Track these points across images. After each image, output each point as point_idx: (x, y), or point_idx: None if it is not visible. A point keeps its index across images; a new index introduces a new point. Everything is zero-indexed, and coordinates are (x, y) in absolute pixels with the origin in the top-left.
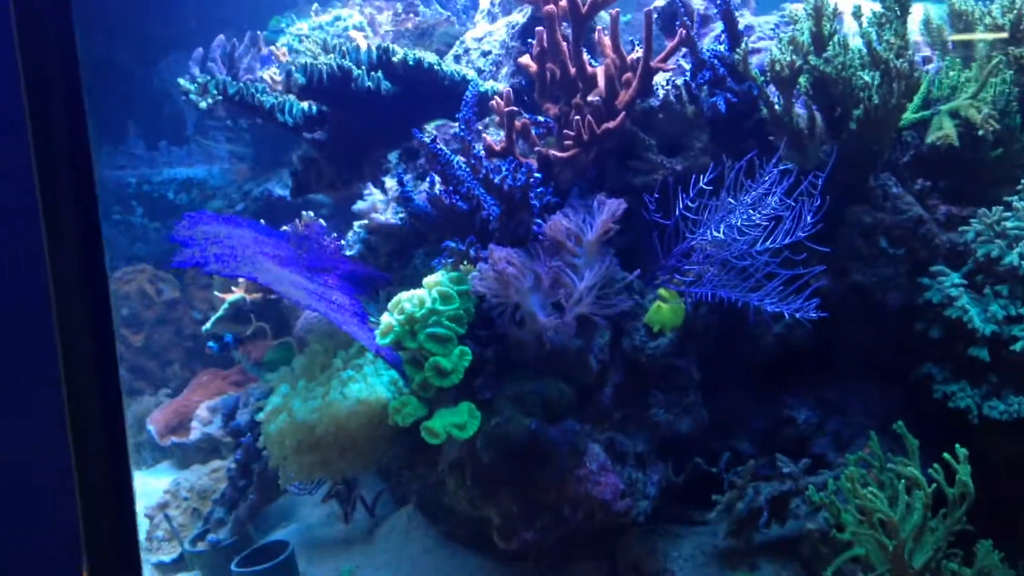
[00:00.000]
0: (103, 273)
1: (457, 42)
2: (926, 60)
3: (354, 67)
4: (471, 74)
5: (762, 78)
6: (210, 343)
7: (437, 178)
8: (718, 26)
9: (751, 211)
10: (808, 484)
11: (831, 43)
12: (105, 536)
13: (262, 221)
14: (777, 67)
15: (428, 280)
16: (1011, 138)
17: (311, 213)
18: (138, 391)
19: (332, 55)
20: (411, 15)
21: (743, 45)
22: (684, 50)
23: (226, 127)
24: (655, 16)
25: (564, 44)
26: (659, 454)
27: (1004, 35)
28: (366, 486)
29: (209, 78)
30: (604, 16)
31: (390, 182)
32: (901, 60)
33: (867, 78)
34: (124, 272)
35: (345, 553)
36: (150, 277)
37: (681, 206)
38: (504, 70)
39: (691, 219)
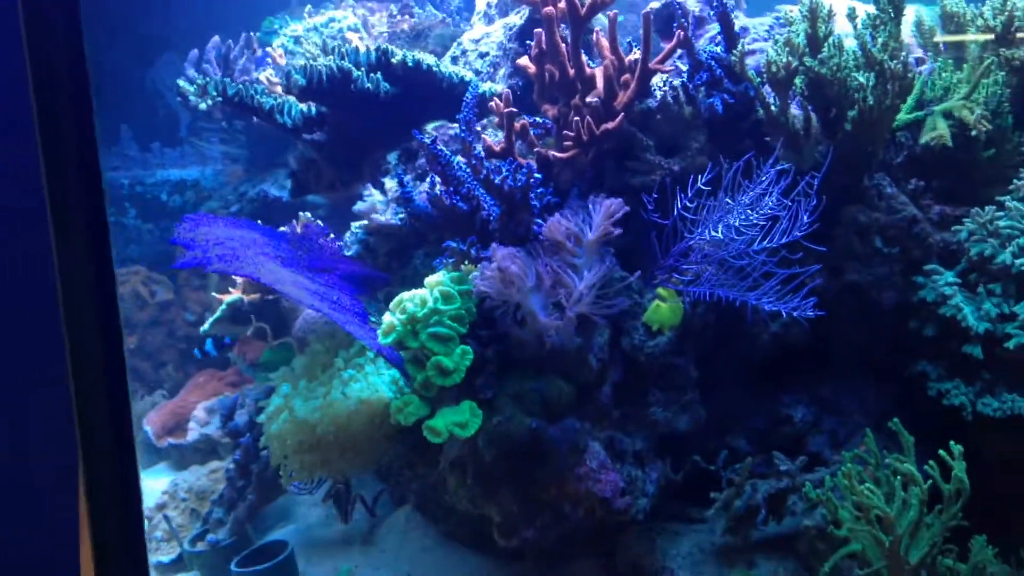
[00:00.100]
0: (111, 272)
1: (455, 44)
2: (919, 61)
3: (353, 68)
4: (469, 75)
5: (758, 79)
6: (195, 350)
7: (437, 179)
8: (713, 28)
9: (749, 211)
10: (805, 481)
11: (826, 45)
12: (112, 534)
13: (259, 222)
14: (773, 68)
15: (430, 280)
16: (1003, 138)
17: (308, 214)
18: (132, 393)
19: (331, 57)
20: (406, 16)
21: (740, 47)
22: (680, 51)
23: (221, 128)
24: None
25: (563, 46)
26: (658, 452)
27: (992, 36)
28: (365, 486)
29: (208, 79)
30: (601, 18)
31: (390, 183)
32: (895, 61)
33: (862, 79)
34: (117, 273)
35: (344, 553)
36: (143, 279)
37: (679, 206)
38: (501, 71)
39: (689, 219)
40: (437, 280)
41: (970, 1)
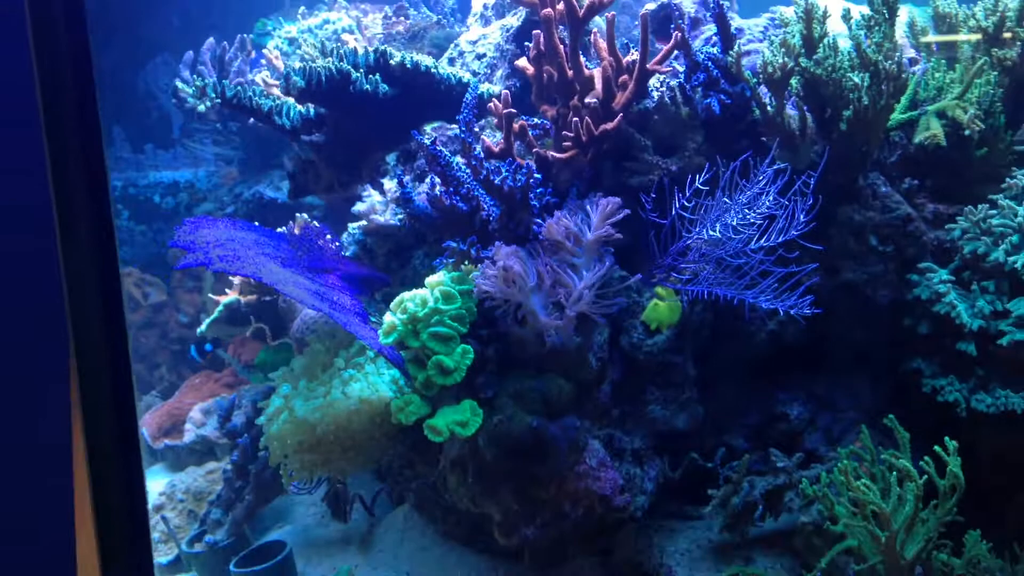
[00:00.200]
0: (116, 272)
1: (452, 45)
2: (912, 62)
3: (352, 70)
4: (467, 77)
5: (754, 80)
6: (192, 350)
7: (437, 179)
8: (708, 29)
9: (746, 210)
10: (802, 478)
11: (821, 45)
12: (117, 534)
13: (256, 223)
14: (769, 69)
15: (430, 280)
16: (995, 137)
17: (306, 215)
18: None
19: (330, 58)
20: (401, 18)
21: (736, 47)
22: (677, 52)
23: (214, 130)
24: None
25: (561, 47)
26: (656, 450)
27: (983, 36)
28: (364, 486)
29: (207, 81)
30: (597, 20)
31: (389, 184)
32: (890, 62)
33: (857, 79)
34: None
35: (342, 553)
36: (136, 280)
37: (677, 206)
38: (499, 73)
39: (687, 218)
40: (438, 280)
41: (962, 2)
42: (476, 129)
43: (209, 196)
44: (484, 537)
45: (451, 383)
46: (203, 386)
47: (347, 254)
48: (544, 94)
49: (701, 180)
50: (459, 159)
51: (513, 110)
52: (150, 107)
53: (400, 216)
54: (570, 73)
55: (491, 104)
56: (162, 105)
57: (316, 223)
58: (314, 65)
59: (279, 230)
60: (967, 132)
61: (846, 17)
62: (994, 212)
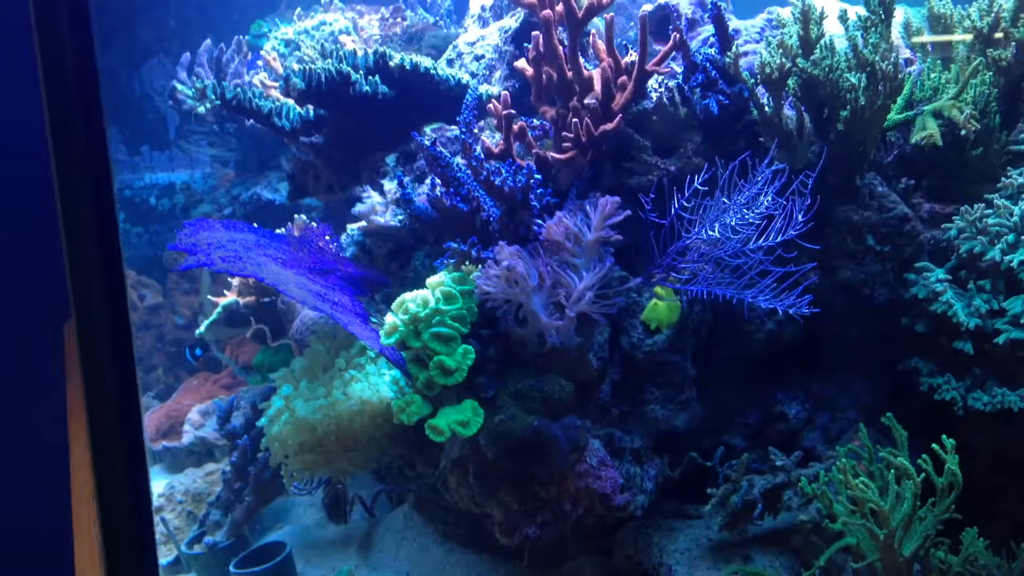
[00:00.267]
0: (120, 273)
1: (450, 47)
2: (907, 62)
3: (352, 72)
4: (466, 78)
5: (752, 80)
6: (187, 353)
7: (437, 180)
8: (705, 30)
9: (745, 210)
10: (800, 476)
11: (818, 46)
12: (122, 534)
13: (255, 225)
14: (767, 70)
15: (431, 280)
16: (991, 137)
17: (304, 216)
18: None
19: (330, 60)
20: (399, 19)
21: (734, 48)
22: (675, 53)
23: (211, 132)
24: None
25: (560, 48)
26: (655, 449)
27: (978, 37)
28: (363, 487)
29: (208, 83)
30: (595, 21)
31: (389, 185)
32: (886, 62)
33: (854, 80)
34: None
35: (341, 553)
36: (132, 283)
37: (676, 206)
38: (497, 74)
39: (686, 219)
40: (439, 280)
41: (956, 2)
42: (475, 130)
43: (206, 198)
44: (484, 537)
45: (452, 383)
46: (201, 388)
47: (346, 255)
48: (543, 95)
49: (700, 180)
50: (459, 160)
51: (513, 111)
52: (146, 109)
53: (400, 217)
54: (569, 74)
55: (491, 105)
56: (158, 107)
57: (315, 224)
58: (314, 67)
59: (278, 231)
60: (963, 132)
61: (843, 18)
62: (990, 211)
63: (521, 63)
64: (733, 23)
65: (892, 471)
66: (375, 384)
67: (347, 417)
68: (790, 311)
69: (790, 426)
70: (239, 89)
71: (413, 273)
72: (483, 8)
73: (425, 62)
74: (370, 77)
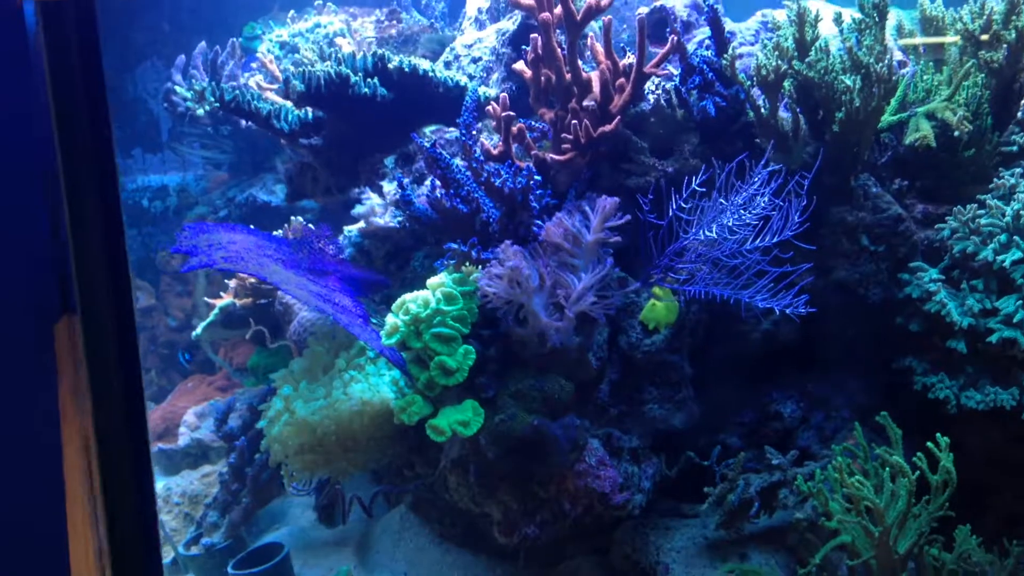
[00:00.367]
0: (127, 275)
1: (447, 49)
2: (900, 64)
3: (351, 74)
4: (464, 80)
5: (748, 82)
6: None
7: (437, 182)
8: (700, 32)
9: (742, 211)
10: (796, 475)
11: (813, 48)
12: (128, 534)
13: (252, 226)
14: (763, 72)
15: (432, 281)
16: (982, 138)
17: (300, 218)
18: None
19: (329, 62)
20: (394, 22)
21: (731, 51)
22: (671, 55)
23: (204, 134)
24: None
25: (559, 50)
26: (653, 448)
27: (970, 39)
28: (360, 488)
29: (205, 86)
30: (592, 24)
31: (388, 186)
32: (880, 64)
33: (848, 82)
34: None
35: (338, 554)
36: None
37: (674, 207)
38: (495, 76)
39: (683, 219)
40: (440, 281)
41: (948, 5)
42: (474, 132)
43: (202, 199)
44: (480, 537)
45: (453, 383)
46: (196, 390)
47: (344, 257)
48: (542, 97)
49: (697, 182)
50: (459, 161)
51: (512, 113)
52: (138, 111)
53: (399, 218)
54: (568, 76)
55: (490, 107)
56: (151, 110)
57: (311, 226)
58: (313, 69)
59: (275, 233)
60: (956, 133)
61: (837, 21)
62: (982, 212)
63: (520, 65)
64: (728, 25)
65: (887, 469)
66: (375, 385)
67: (347, 418)
68: (787, 311)
69: (785, 425)
70: (238, 91)
71: (412, 274)
72: (480, 11)
73: (423, 64)
74: (369, 79)
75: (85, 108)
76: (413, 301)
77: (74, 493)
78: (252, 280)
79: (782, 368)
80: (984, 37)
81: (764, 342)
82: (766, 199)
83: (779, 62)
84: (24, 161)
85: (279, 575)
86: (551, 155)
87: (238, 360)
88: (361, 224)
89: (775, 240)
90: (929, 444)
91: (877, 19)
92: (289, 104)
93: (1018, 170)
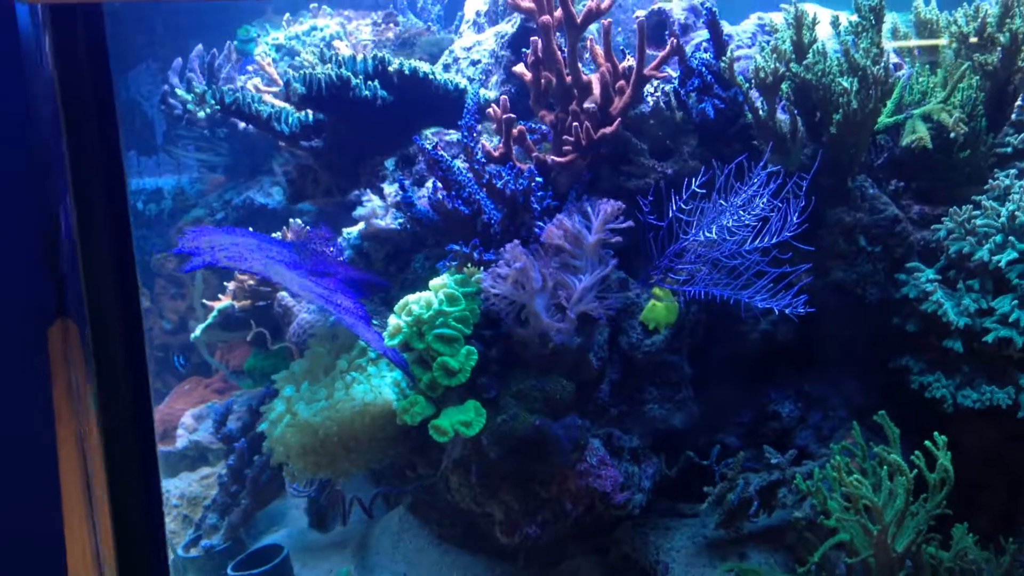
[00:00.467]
0: (134, 277)
1: (446, 52)
2: (896, 67)
3: (352, 76)
4: (464, 83)
5: (746, 85)
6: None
7: (439, 183)
8: (698, 35)
9: (741, 212)
10: (795, 474)
11: (811, 51)
12: (135, 534)
13: (251, 229)
14: (761, 74)
15: (434, 283)
16: (978, 140)
17: (299, 220)
18: None
19: (330, 65)
20: (391, 25)
21: (729, 53)
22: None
23: (200, 136)
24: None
25: (559, 53)
26: (652, 448)
27: (965, 42)
28: (358, 489)
29: (206, 88)
30: (590, 27)
31: (389, 188)
32: (877, 66)
33: (846, 84)
34: None
35: (337, 555)
36: None
37: (674, 208)
38: (494, 78)
39: (683, 220)
40: (442, 283)
41: (942, 8)
42: (475, 134)
43: (199, 202)
44: (480, 538)
45: (456, 384)
46: (193, 392)
47: (342, 259)
48: (542, 99)
49: (697, 183)
50: (459, 163)
51: (512, 115)
52: (133, 114)
53: (400, 220)
54: (568, 79)
55: (490, 109)
56: (145, 112)
57: (309, 228)
58: (314, 72)
59: (274, 235)
60: (952, 135)
61: (835, 23)
62: (978, 213)
63: (520, 68)
64: (725, 28)
65: (885, 468)
66: (377, 386)
67: (349, 418)
68: (786, 311)
69: (783, 425)
70: (238, 94)
71: (413, 275)
72: (478, 14)
73: (423, 67)
74: (369, 82)
75: (94, 111)
76: (416, 302)
77: (70, 495)
78: (251, 282)
79: (780, 368)
80: (973, 40)
81: (762, 342)
82: (765, 200)
83: (777, 64)
84: (16, 162)
85: None
86: (552, 157)
87: (234, 363)
88: (360, 226)
89: (774, 241)
90: (927, 443)
91: (874, 22)
92: (289, 107)
93: (1013, 171)
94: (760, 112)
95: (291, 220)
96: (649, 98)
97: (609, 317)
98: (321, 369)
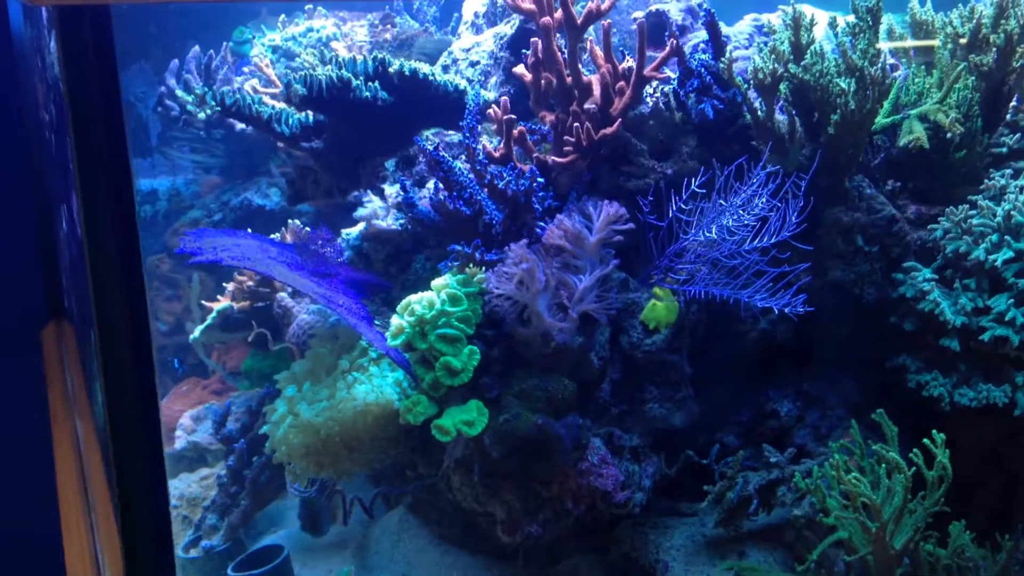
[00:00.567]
0: (140, 275)
1: (444, 53)
2: (892, 68)
3: (353, 77)
4: (463, 84)
5: (745, 85)
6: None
7: (440, 184)
8: (695, 36)
9: (740, 212)
10: (794, 472)
11: (808, 52)
12: (141, 532)
13: (249, 230)
14: (760, 75)
15: (436, 283)
16: (973, 140)
17: (297, 222)
18: None
19: (330, 66)
20: (388, 26)
21: (728, 54)
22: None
23: (195, 138)
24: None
25: (559, 54)
26: (652, 447)
27: (961, 42)
28: (356, 489)
29: (206, 90)
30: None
31: (390, 189)
32: (875, 67)
33: (843, 85)
34: None
35: (337, 556)
36: None
37: (674, 208)
38: (493, 80)
39: (683, 220)
40: (444, 283)
41: (938, 9)
42: (477, 135)
43: (196, 203)
44: (480, 538)
45: (458, 384)
46: (191, 393)
47: (342, 260)
48: (542, 100)
49: (696, 184)
50: (460, 164)
51: (513, 116)
52: (127, 115)
53: (401, 221)
54: (569, 80)
55: (491, 110)
56: (140, 113)
57: (307, 229)
58: (315, 73)
59: (273, 237)
60: (948, 135)
61: (832, 24)
62: (974, 212)
63: (520, 69)
64: (722, 29)
65: (883, 466)
66: (379, 386)
67: (351, 419)
68: (786, 310)
69: (781, 424)
70: (239, 95)
71: (414, 276)
72: (476, 15)
73: (423, 68)
74: (370, 83)
75: (101, 112)
76: (418, 302)
77: (67, 496)
78: (250, 283)
79: (779, 367)
80: (963, 41)
81: (761, 341)
82: (764, 200)
83: (775, 65)
84: (9, 165)
85: None
86: (552, 157)
87: (231, 364)
88: (360, 227)
89: (773, 241)
90: (925, 440)
91: (871, 23)
92: (289, 108)
93: (1008, 171)
94: (759, 113)
95: (289, 221)
96: (648, 99)
97: (610, 317)
98: (323, 369)
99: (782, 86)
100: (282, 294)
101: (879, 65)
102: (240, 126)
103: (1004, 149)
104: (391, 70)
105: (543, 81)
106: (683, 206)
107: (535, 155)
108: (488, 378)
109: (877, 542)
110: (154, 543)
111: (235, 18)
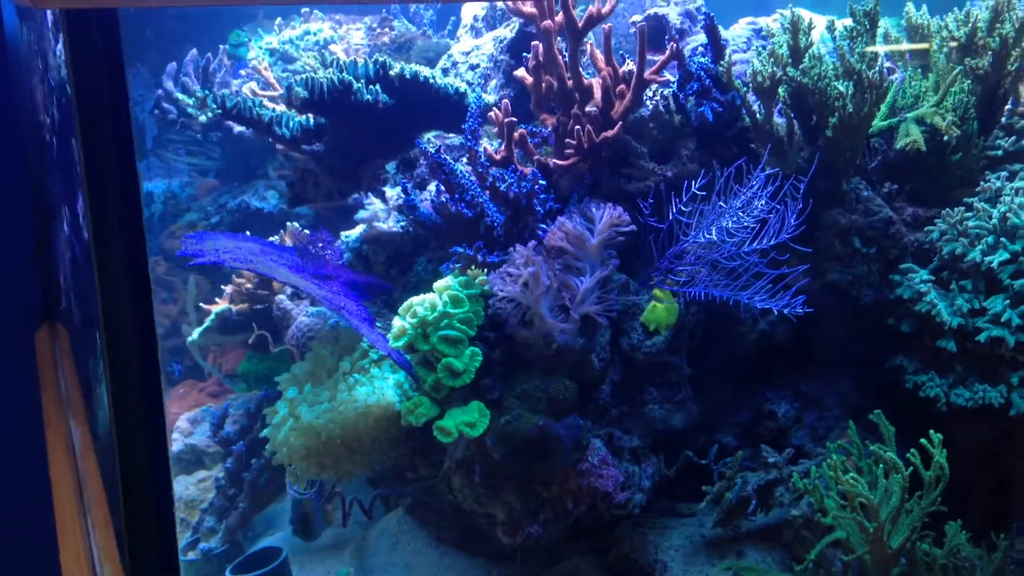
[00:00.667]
0: (146, 275)
1: (444, 56)
2: (889, 71)
3: (354, 80)
4: (463, 87)
5: (744, 89)
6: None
7: (442, 187)
8: (694, 40)
9: (740, 214)
10: (792, 472)
11: (807, 55)
12: (145, 533)
13: (247, 233)
14: (759, 78)
15: (438, 284)
16: (969, 143)
17: (296, 224)
18: None
19: (331, 69)
20: (386, 29)
21: (727, 58)
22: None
23: (191, 140)
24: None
25: (560, 57)
26: (652, 448)
27: (955, 45)
28: (355, 491)
29: (207, 93)
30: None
31: (391, 191)
32: (872, 71)
33: (842, 88)
34: None
35: (335, 558)
36: None
37: (674, 210)
38: (492, 82)
39: (683, 223)
40: (446, 285)
41: (933, 13)
42: (478, 138)
43: (193, 206)
44: (478, 540)
45: (460, 385)
46: (187, 396)
47: (342, 263)
48: (543, 103)
49: (696, 186)
50: (461, 166)
51: (514, 119)
52: None
53: (402, 223)
54: (570, 83)
55: (492, 113)
56: (136, 116)
57: (307, 232)
58: (316, 76)
59: (271, 239)
60: (945, 138)
61: (830, 28)
62: (970, 214)
63: (521, 72)
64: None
65: (880, 466)
66: (380, 388)
67: (352, 420)
68: (785, 311)
69: (779, 424)
70: (239, 98)
71: (415, 278)
72: (475, 18)
73: (424, 71)
74: (371, 86)
75: (109, 114)
76: (420, 304)
77: (61, 499)
78: (249, 285)
79: (777, 368)
80: (958, 45)
81: (760, 343)
82: (763, 202)
83: (774, 68)
84: (5, 167)
85: None
86: (553, 160)
87: (228, 366)
88: (360, 229)
89: (772, 242)
90: (922, 440)
91: (868, 27)
92: (290, 111)
93: (1004, 173)
94: (757, 116)
95: (288, 224)
96: (648, 102)
97: (611, 318)
98: (324, 371)
99: (781, 89)
100: (281, 296)
101: (876, 68)
102: (238, 129)
103: (999, 152)
104: (392, 73)
105: (544, 84)
106: (683, 208)
107: (536, 158)
108: (490, 379)
109: (874, 542)
110: (158, 544)
111: (232, 21)
